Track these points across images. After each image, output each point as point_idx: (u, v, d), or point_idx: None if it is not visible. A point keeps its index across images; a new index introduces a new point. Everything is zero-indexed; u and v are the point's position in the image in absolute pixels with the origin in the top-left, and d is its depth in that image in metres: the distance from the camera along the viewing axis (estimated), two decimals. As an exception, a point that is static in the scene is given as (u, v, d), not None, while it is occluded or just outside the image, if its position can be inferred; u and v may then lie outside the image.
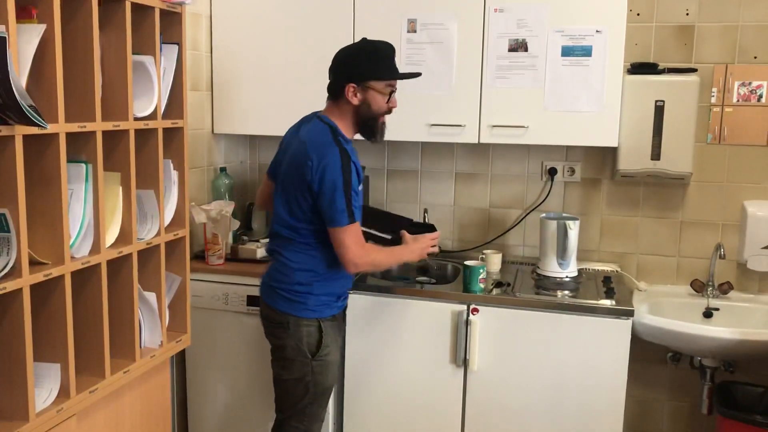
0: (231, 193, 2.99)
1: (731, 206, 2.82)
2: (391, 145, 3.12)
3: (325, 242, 2.15)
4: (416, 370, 2.62)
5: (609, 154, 2.86)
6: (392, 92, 2.21)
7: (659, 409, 2.98)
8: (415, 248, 2.34)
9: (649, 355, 2.90)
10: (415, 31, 2.72)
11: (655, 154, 2.70)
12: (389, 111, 2.24)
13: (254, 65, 2.89)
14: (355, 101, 2.15)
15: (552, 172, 2.96)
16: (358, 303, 2.63)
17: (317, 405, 2.28)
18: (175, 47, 2.03)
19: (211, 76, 2.95)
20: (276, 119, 2.86)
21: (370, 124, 2.20)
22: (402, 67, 2.72)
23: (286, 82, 2.86)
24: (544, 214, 2.80)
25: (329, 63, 2.76)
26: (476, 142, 2.73)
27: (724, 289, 2.78)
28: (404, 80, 2.66)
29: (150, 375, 2.10)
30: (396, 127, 2.74)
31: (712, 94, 2.79)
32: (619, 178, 2.83)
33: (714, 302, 2.74)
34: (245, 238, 2.97)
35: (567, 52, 2.60)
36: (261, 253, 2.83)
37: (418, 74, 2.33)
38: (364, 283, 2.68)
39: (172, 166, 2.08)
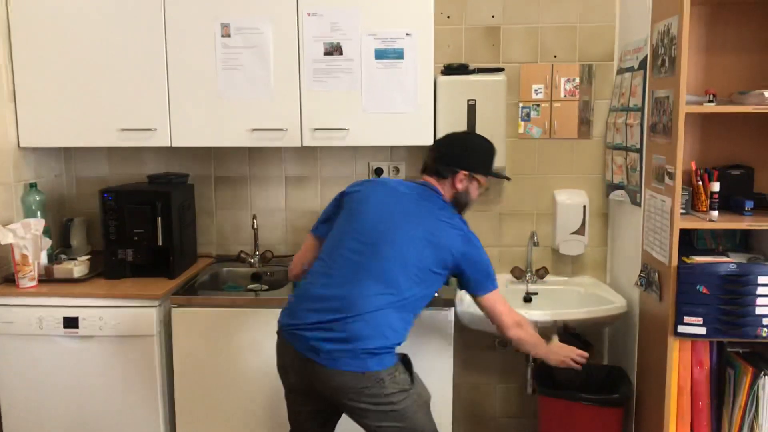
0: (44, 210, 2.81)
1: (543, 196, 3.00)
2: (216, 152, 3.07)
3: None
4: (251, 379, 2.58)
5: (430, 152, 2.96)
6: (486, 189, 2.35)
7: (491, 393, 3.13)
8: (554, 350, 2.35)
9: (479, 343, 3.04)
10: (229, 36, 2.68)
11: (471, 151, 2.82)
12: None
13: (62, 73, 2.73)
14: (460, 187, 2.23)
15: (378, 171, 3.02)
16: (187, 316, 2.56)
17: None
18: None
19: (13, 87, 2.75)
20: (89, 129, 2.76)
21: (462, 208, 2.27)
22: (218, 72, 2.70)
23: (98, 91, 2.73)
24: (370, 214, 2.85)
25: (143, 69, 2.70)
26: (300, 145, 2.73)
27: (541, 274, 2.97)
28: (222, 84, 2.71)
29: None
30: (217, 133, 2.74)
31: (538, 90, 2.95)
32: (440, 175, 2.93)
33: (533, 287, 2.91)
34: (63, 256, 2.81)
35: (380, 55, 2.66)
36: (79, 271, 2.68)
37: (508, 178, 2.51)
38: (195, 296, 2.61)
39: (-47, 185, 1.92)
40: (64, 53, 2.72)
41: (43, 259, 2.72)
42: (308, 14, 2.65)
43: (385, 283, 2.04)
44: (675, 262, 2.19)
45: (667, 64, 2.24)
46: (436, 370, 2.54)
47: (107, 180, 3.09)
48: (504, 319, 2.21)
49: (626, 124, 2.64)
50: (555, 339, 2.42)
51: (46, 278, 2.67)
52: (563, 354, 2.35)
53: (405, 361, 2.14)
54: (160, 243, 2.71)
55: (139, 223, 2.70)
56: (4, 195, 2.72)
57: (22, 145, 2.79)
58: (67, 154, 3.11)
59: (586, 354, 2.36)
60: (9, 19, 2.72)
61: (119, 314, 2.55)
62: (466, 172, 2.22)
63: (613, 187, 2.84)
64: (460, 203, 2.26)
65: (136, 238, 2.71)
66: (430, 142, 2.72)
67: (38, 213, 2.78)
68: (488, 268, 2.18)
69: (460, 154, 2.25)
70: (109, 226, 2.70)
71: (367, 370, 1.99)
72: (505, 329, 2.22)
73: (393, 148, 3.01)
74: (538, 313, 2.62)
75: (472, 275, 2.16)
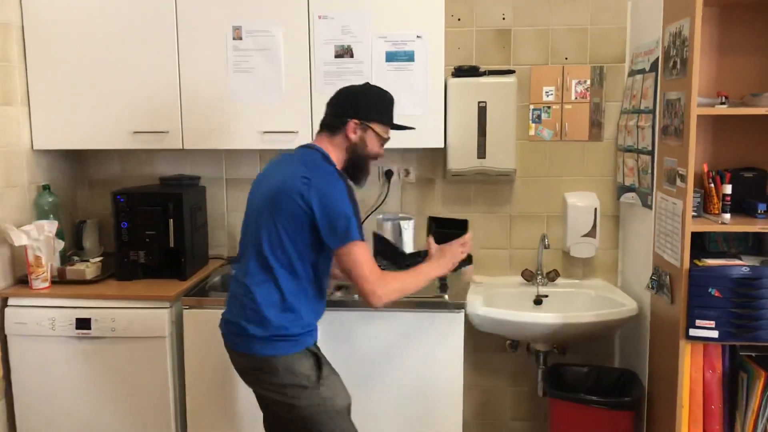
0: (56, 212, 2.83)
1: (554, 199, 2.99)
2: (227, 154, 3.08)
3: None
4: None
5: (440, 155, 2.95)
6: (386, 140, 2.19)
7: (502, 395, 3.12)
8: (442, 263, 2.19)
9: (490, 345, 3.03)
10: (240, 39, 2.69)
11: (481, 153, 2.82)
12: (376, 157, 2.19)
13: (75, 76, 2.76)
14: (353, 138, 2.11)
15: (388, 174, 3.02)
16: (198, 318, 2.57)
17: None
18: (-37, 60, 1.89)
19: (27, 89, 2.78)
20: (102, 132, 2.79)
21: (360, 164, 2.15)
22: (229, 74, 2.71)
23: (110, 93, 2.75)
24: (381, 216, 2.86)
25: (154, 71, 2.72)
26: (310, 147, 2.74)
27: (552, 276, 2.96)
28: (234, 87, 2.71)
29: (-45, 413, 1.95)
30: (228, 135, 2.75)
31: (549, 92, 2.95)
32: (450, 178, 2.93)
33: (543, 290, 2.90)
34: (76, 258, 2.83)
35: (391, 57, 2.67)
36: (91, 273, 2.70)
37: (412, 128, 2.30)
38: (206, 297, 2.62)
39: (-32, 187, 1.94)
40: (78, 56, 2.75)
41: (56, 260, 2.74)
42: (319, 17, 2.66)
43: (255, 262, 2.05)
44: (687, 265, 2.18)
45: (678, 66, 2.23)
46: (446, 372, 2.54)
47: (119, 182, 3.11)
48: (360, 279, 1.99)
49: (637, 126, 2.63)
50: (430, 241, 2.26)
51: (59, 279, 2.69)
52: (450, 259, 2.20)
53: (317, 359, 2.08)
54: (171, 245, 2.72)
55: (151, 225, 2.72)
56: (18, 197, 2.74)
57: (35, 147, 2.82)
58: (80, 156, 3.14)
59: (467, 241, 2.23)
60: (23, 23, 2.75)
61: (131, 315, 2.56)
62: (357, 121, 2.10)
63: (624, 189, 2.82)
64: (358, 157, 2.13)
65: (147, 239, 2.72)
66: (440, 144, 2.73)
67: (51, 215, 2.81)
68: (340, 216, 1.97)
69: (351, 102, 2.14)
70: (121, 227, 2.71)
71: (254, 353, 2.04)
72: (365, 296, 2.01)
73: (403, 151, 3.01)
74: (549, 315, 2.61)
75: (320, 223, 1.97)
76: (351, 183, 2.12)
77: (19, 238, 2.57)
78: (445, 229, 2.29)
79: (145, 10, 2.70)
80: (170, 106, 2.73)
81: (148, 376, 2.59)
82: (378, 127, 2.14)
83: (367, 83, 2.24)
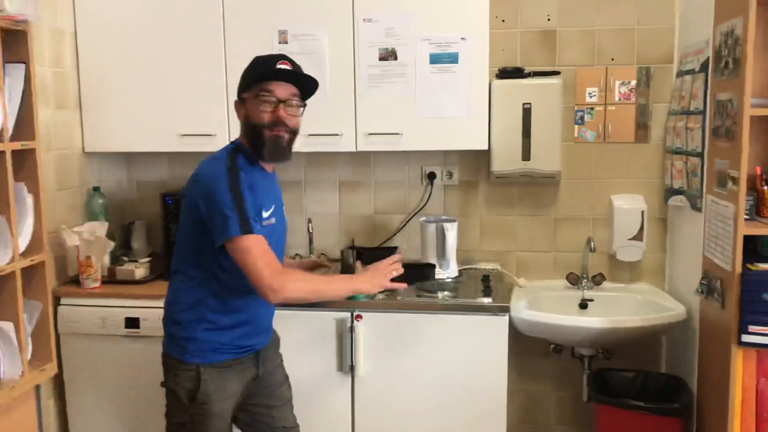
0: (106, 213, 2.90)
1: (599, 201, 2.95)
2: (272, 157, 3.11)
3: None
4: (304, 380, 2.60)
5: (483, 157, 2.94)
6: (275, 102, 1.98)
7: (546, 399, 3.09)
8: (367, 275, 2.08)
9: (533, 349, 3.00)
10: (286, 42, 2.72)
11: (526, 155, 2.80)
12: (276, 123, 1.98)
13: (125, 80, 2.82)
14: (241, 117, 2.05)
15: (431, 176, 3.02)
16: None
17: None
18: (22, 66, 1.95)
19: (79, 94, 2.86)
20: (151, 135, 2.84)
21: (254, 138, 1.99)
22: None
23: (159, 97, 2.81)
24: (424, 218, 2.86)
25: (202, 75, 2.77)
26: (354, 150, 2.75)
27: (597, 280, 2.92)
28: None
29: (13, 407, 2.02)
30: (273, 139, 2.77)
31: (593, 93, 2.92)
32: (494, 180, 2.92)
33: (588, 293, 2.86)
34: (124, 258, 2.89)
35: (435, 59, 2.67)
36: (140, 273, 2.76)
37: (287, 71, 2.01)
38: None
39: (25, 189, 2.00)
40: (128, 61, 2.81)
41: (106, 260, 2.80)
42: (363, 20, 2.67)
43: (173, 265, 2.06)
44: (739, 269, 2.12)
45: (730, 66, 2.18)
46: (490, 376, 2.52)
47: (167, 184, 3.17)
48: (253, 272, 1.82)
49: (686, 128, 2.58)
50: (359, 267, 2.19)
51: (109, 279, 2.75)
52: (377, 272, 2.09)
53: (197, 384, 1.99)
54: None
55: (197, 227, 2.76)
56: (70, 198, 2.82)
57: (86, 150, 2.90)
58: (130, 158, 3.21)
59: (397, 259, 2.15)
60: (76, 29, 2.82)
61: (179, 315, 2.60)
62: (236, 101, 2.06)
63: (672, 192, 2.77)
64: (249, 131, 2.00)
65: (194, 241, 2.77)
66: (484, 146, 2.72)
67: (100, 216, 2.88)
68: (217, 212, 1.84)
69: None
70: (170, 228, 2.77)
71: (163, 348, 2.08)
72: (261, 290, 1.84)
73: (446, 153, 3.01)
74: (595, 319, 2.58)
75: (206, 217, 1.87)
76: (243, 171, 1.95)
77: (72, 239, 2.64)
78: (375, 252, 2.31)
79: (192, 15, 2.75)
80: (217, 109, 2.78)
81: (195, 375, 2.63)
82: (248, 95, 2.01)
83: None
